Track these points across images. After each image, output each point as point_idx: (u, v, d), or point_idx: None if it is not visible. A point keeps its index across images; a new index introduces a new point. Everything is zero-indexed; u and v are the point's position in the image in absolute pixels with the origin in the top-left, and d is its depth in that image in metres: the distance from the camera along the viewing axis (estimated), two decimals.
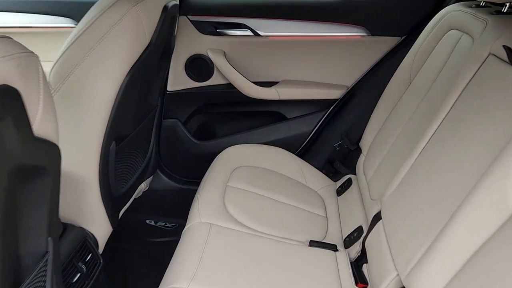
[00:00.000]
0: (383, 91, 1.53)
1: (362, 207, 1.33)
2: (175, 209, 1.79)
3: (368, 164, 1.40)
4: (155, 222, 1.78)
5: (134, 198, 1.54)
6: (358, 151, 1.59)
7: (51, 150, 0.73)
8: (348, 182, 1.52)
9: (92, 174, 1.13)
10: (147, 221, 1.77)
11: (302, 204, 1.40)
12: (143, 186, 1.58)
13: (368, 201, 1.28)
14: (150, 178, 1.65)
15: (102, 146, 1.11)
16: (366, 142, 1.48)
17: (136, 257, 1.68)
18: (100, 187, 1.16)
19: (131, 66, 1.08)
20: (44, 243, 0.78)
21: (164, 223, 1.78)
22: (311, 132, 1.70)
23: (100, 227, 1.22)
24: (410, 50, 1.42)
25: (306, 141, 1.71)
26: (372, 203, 1.25)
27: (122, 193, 1.32)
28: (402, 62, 1.43)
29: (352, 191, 1.47)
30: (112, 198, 1.25)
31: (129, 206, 1.46)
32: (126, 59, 1.06)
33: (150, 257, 1.66)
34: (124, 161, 1.30)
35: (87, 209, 1.18)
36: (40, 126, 0.67)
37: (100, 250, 1.25)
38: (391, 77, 1.52)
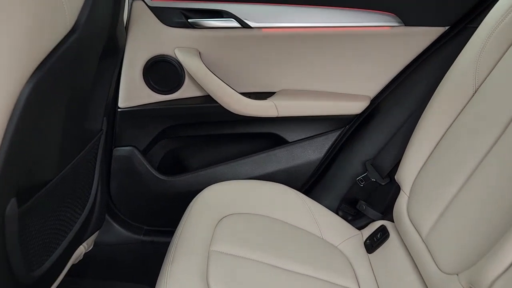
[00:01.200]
0: (423, 102, 1.10)
1: (421, 281, 0.88)
2: (136, 270, 1.30)
3: (420, 211, 0.95)
4: None
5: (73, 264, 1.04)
6: (392, 186, 1.14)
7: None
8: (382, 232, 1.06)
9: None
10: None
11: (322, 272, 0.94)
12: (83, 249, 1.07)
13: (435, 274, 0.83)
14: (97, 233, 1.14)
15: None
16: (406, 176, 1.03)
17: None
18: None
19: (36, 65, 0.59)
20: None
21: None
22: (322, 160, 1.24)
23: None
24: (469, 45, 0.98)
25: (315, 172, 1.25)
26: (445, 279, 0.79)
27: (41, 275, 0.82)
28: (457, 63, 0.99)
29: (392, 247, 1.01)
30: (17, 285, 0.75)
31: (67, 272, 0.97)
32: (25, 51, 0.57)
33: None
34: (41, 226, 0.80)
35: None
36: None
37: None
38: (434, 83, 1.08)
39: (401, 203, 1.02)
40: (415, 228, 0.94)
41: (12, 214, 0.67)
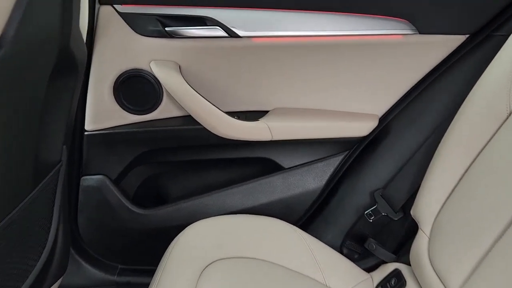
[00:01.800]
0: (442, 123, 0.94)
1: None
2: None
3: (446, 260, 0.78)
4: None
5: None
6: (406, 221, 0.98)
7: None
8: (397, 278, 0.90)
9: None
10: None
11: None
12: None
13: None
14: (58, 281, 0.97)
15: None
16: (425, 213, 0.86)
17: None
18: None
19: None
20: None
21: None
22: (322, 190, 1.07)
23: None
24: (500, 56, 0.82)
25: (315, 203, 1.08)
26: None
27: None
28: (484, 78, 0.83)
29: None
30: None
31: None
32: None
33: None
34: None
35: None
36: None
37: None
38: (454, 100, 0.93)
39: (420, 245, 0.85)
40: (440, 279, 0.78)
41: None
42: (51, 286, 0.91)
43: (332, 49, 0.98)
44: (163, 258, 0.87)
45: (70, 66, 0.74)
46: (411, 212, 0.91)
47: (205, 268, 0.84)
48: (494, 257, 0.69)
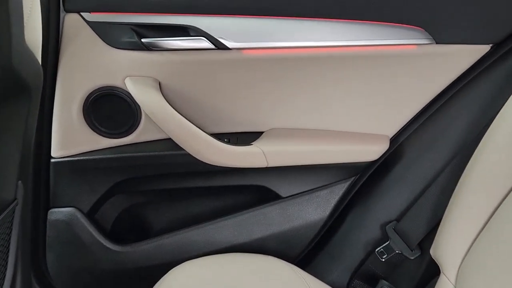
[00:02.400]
0: (464, 147, 0.81)
1: None
2: None
3: None
4: None
5: None
6: (423, 260, 0.85)
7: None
8: None
9: None
10: None
11: None
12: None
13: None
14: None
15: None
16: (448, 255, 0.73)
17: None
18: None
19: None
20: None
21: None
22: (325, 221, 0.94)
23: None
24: None
25: (316, 237, 0.95)
26: None
27: None
28: None
29: None
30: None
31: None
32: None
33: None
34: None
35: None
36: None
37: None
38: (478, 119, 0.80)
39: None
40: None
41: None
42: None
43: (335, 62, 0.85)
44: None
45: (19, 90, 0.61)
46: (431, 251, 0.78)
47: None
48: None
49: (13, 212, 0.73)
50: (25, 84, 0.62)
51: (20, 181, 0.73)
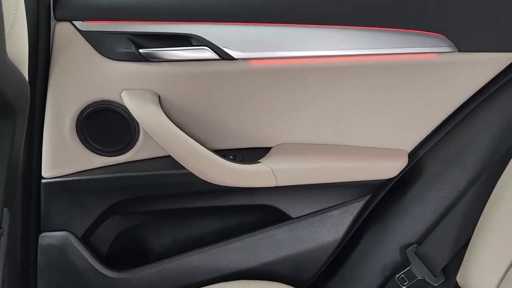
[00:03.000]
0: (491, 162, 0.74)
1: None
2: None
3: None
4: None
5: None
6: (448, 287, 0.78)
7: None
8: None
9: None
10: None
11: None
12: None
13: None
14: None
15: None
16: (477, 283, 0.67)
17: None
18: None
19: None
20: None
21: None
22: (339, 243, 0.87)
23: None
24: None
25: (329, 260, 0.88)
26: None
27: None
28: None
29: None
30: None
31: None
32: None
33: None
34: None
35: None
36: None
37: None
38: (507, 131, 0.74)
39: None
40: None
41: None
42: None
43: (349, 72, 0.78)
44: None
45: (3, 111, 0.54)
46: (458, 279, 0.71)
47: None
48: None
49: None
50: (10, 105, 0.55)
51: (5, 208, 0.66)
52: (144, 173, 0.82)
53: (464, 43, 0.76)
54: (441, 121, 0.83)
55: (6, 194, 0.65)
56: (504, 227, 0.65)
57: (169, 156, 0.80)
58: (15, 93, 0.55)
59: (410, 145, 0.85)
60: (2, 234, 0.67)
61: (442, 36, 0.76)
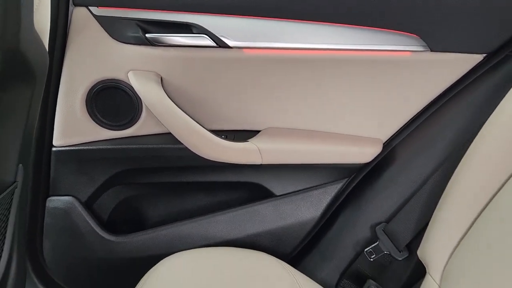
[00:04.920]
0: (454, 152, 0.83)
1: None
2: None
3: None
4: None
5: None
6: (411, 262, 0.86)
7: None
8: None
9: None
10: None
11: None
12: None
13: None
14: None
15: None
16: (434, 256, 0.75)
17: None
18: None
19: None
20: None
21: None
22: (317, 221, 0.96)
23: None
24: None
25: (308, 236, 0.97)
26: None
27: None
28: (504, 106, 0.73)
29: None
30: None
31: None
32: None
33: None
34: None
35: None
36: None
37: None
38: (468, 126, 0.82)
39: None
40: None
41: None
42: None
43: (333, 65, 0.88)
44: None
45: (24, 74, 0.63)
46: (418, 253, 0.79)
47: None
48: None
49: (12, 194, 0.75)
50: (31, 68, 0.64)
51: (20, 165, 0.75)
52: (145, 146, 0.91)
53: (436, 43, 0.85)
54: (414, 114, 0.91)
55: (21, 153, 0.74)
56: (457, 207, 0.73)
57: (168, 133, 0.89)
58: (37, 59, 0.64)
59: (385, 135, 0.93)
60: (16, 187, 0.76)
61: (417, 36, 0.85)
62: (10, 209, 0.76)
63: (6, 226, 0.76)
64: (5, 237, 0.76)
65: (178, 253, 0.83)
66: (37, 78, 0.67)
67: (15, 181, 0.74)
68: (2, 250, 0.76)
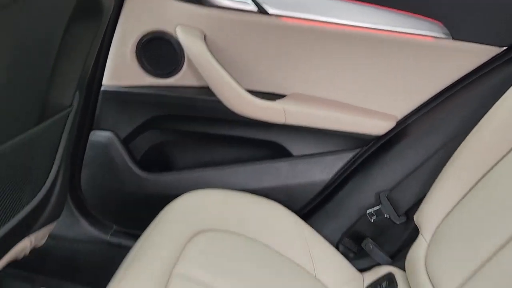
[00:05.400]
0: (460, 134, 0.91)
1: None
2: (95, 274, 1.12)
3: (442, 266, 0.75)
4: None
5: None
6: (408, 227, 0.95)
7: None
8: (388, 281, 0.87)
9: None
10: None
11: None
12: (28, 243, 0.89)
13: None
14: (51, 225, 0.97)
15: None
16: (428, 220, 0.84)
17: None
18: None
19: None
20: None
21: None
22: (328, 183, 1.05)
23: None
24: None
25: (319, 195, 1.06)
26: None
27: None
28: (509, 95, 0.81)
29: None
30: None
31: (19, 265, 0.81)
32: None
33: None
34: None
35: None
36: None
37: None
38: (477, 112, 0.89)
39: (418, 251, 0.83)
40: (432, 286, 0.75)
41: None
42: (42, 227, 0.90)
43: (360, 42, 0.96)
44: (153, 221, 0.87)
45: (93, 11, 0.74)
46: (414, 217, 0.88)
47: (195, 235, 0.83)
48: (488, 271, 0.67)
49: (67, 117, 0.87)
50: (99, 8, 0.75)
51: (77, 92, 0.87)
52: (182, 95, 1.02)
53: (458, 32, 0.93)
54: (429, 97, 0.99)
55: (79, 82, 0.86)
56: (453, 180, 0.82)
57: (204, 87, 1.00)
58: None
59: (401, 113, 1.01)
60: (72, 111, 0.88)
61: (440, 23, 0.93)
62: (62, 132, 0.88)
63: (59, 143, 0.88)
64: (56, 153, 0.88)
65: (199, 190, 0.94)
66: (103, 17, 0.78)
67: (71, 105, 0.86)
68: (53, 163, 0.88)
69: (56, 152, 0.89)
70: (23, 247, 0.88)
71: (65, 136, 0.89)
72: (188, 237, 0.82)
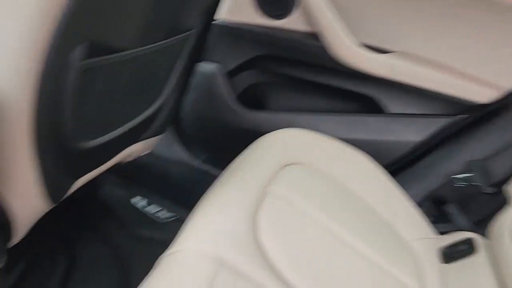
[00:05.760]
0: None
1: None
2: (180, 193, 1.22)
3: None
4: (143, 206, 1.19)
5: (120, 163, 0.96)
6: (497, 199, 0.94)
7: None
8: (467, 245, 0.88)
9: (21, 104, 0.54)
10: (132, 201, 1.19)
11: (382, 259, 0.79)
12: (138, 148, 0.99)
13: None
14: (155, 139, 1.06)
15: (55, 49, 0.52)
16: None
17: (91, 257, 1.08)
18: (36, 129, 0.58)
19: None
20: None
21: (157, 209, 1.20)
22: (420, 145, 1.05)
23: (23, 200, 0.64)
24: None
25: (408, 155, 1.07)
26: None
27: (87, 149, 0.74)
28: None
29: (479, 265, 0.83)
30: (61, 153, 0.67)
31: (107, 172, 0.90)
32: None
33: (109, 259, 1.07)
34: (101, 94, 0.71)
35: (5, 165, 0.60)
36: None
37: (17, 238, 0.67)
38: None
39: (505, 221, 0.82)
40: None
41: (74, 62, 0.58)
42: (150, 137, 0.99)
43: (481, 5, 0.94)
44: (245, 150, 0.91)
45: None
46: (504, 188, 0.87)
47: (284, 166, 0.87)
48: None
49: (187, 38, 0.93)
50: None
51: (199, 17, 0.93)
52: (290, 37, 1.06)
53: None
54: None
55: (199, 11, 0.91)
56: None
57: (311, 34, 1.02)
58: None
59: (509, 83, 0.98)
60: (193, 33, 0.94)
61: None
62: (182, 51, 0.95)
63: (174, 66, 0.94)
64: (170, 75, 0.95)
65: (295, 128, 0.98)
66: None
67: (193, 28, 0.92)
68: (170, 77, 0.95)
69: (172, 69, 0.96)
70: (131, 151, 0.98)
71: (183, 56, 0.96)
72: (281, 165, 0.87)
